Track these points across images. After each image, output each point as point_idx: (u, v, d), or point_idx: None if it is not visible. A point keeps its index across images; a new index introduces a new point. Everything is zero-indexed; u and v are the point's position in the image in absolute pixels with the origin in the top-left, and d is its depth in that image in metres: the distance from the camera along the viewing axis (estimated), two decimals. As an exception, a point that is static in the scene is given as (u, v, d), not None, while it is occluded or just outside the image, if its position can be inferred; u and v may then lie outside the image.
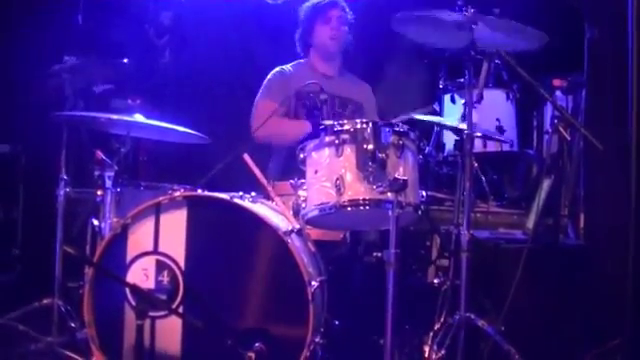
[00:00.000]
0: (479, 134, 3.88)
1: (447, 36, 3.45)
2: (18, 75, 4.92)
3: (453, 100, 4.75)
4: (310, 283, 3.11)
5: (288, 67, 4.45)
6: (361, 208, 3.13)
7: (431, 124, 4.39)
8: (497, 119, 4.64)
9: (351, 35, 4.45)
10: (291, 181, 3.43)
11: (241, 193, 3.34)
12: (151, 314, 3.09)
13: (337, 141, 3.17)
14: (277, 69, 4.43)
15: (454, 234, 3.55)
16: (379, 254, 3.23)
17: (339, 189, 3.13)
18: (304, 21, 4.45)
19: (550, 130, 4.16)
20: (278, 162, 4.35)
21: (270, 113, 4.04)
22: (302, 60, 4.51)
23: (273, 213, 3.38)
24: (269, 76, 4.41)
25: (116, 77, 4.25)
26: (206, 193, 3.30)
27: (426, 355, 3.38)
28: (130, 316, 3.12)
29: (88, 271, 3.29)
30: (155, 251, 3.20)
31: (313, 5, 4.44)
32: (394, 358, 3.01)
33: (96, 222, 3.62)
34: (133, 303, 3.09)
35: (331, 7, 4.40)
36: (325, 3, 4.42)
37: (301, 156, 3.31)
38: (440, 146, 4.78)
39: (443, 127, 4.46)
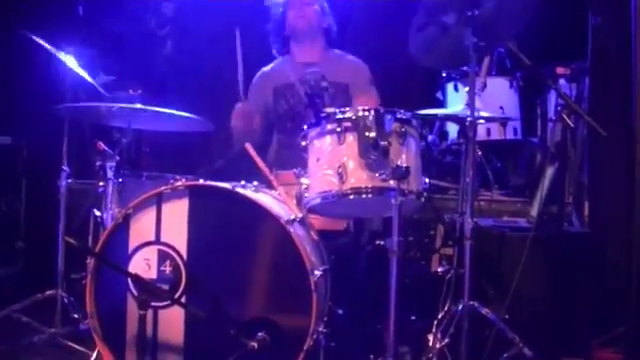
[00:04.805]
0: (482, 121, 3.85)
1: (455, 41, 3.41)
2: (19, 67, 4.91)
3: (456, 88, 4.73)
4: (313, 272, 3.10)
5: (269, 67, 4.42)
6: (363, 196, 3.11)
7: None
8: (500, 107, 4.62)
9: (331, 15, 4.36)
10: (294, 170, 3.41)
11: (243, 182, 3.33)
12: (153, 304, 3.09)
13: (339, 129, 3.15)
14: (259, 72, 4.39)
15: (458, 222, 3.54)
16: (382, 242, 3.22)
17: (341, 177, 3.11)
18: (277, 14, 4.36)
19: (554, 118, 4.13)
20: (273, 151, 4.33)
21: (240, 112, 4.09)
22: (285, 56, 4.44)
23: (275, 202, 3.36)
24: (253, 80, 4.38)
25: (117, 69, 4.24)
26: (208, 182, 3.29)
27: (430, 343, 3.37)
28: (132, 306, 3.12)
29: (90, 262, 3.29)
30: (157, 241, 3.19)
31: None
32: (398, 347, 3.00)
33: (98, 213, 3.60)
34: (135, 293, 3.09)
35: None
36: None
37: (303, 144, 3.30)
38: (444, 134, 4.76)
39: (444, 119, 4.44)
